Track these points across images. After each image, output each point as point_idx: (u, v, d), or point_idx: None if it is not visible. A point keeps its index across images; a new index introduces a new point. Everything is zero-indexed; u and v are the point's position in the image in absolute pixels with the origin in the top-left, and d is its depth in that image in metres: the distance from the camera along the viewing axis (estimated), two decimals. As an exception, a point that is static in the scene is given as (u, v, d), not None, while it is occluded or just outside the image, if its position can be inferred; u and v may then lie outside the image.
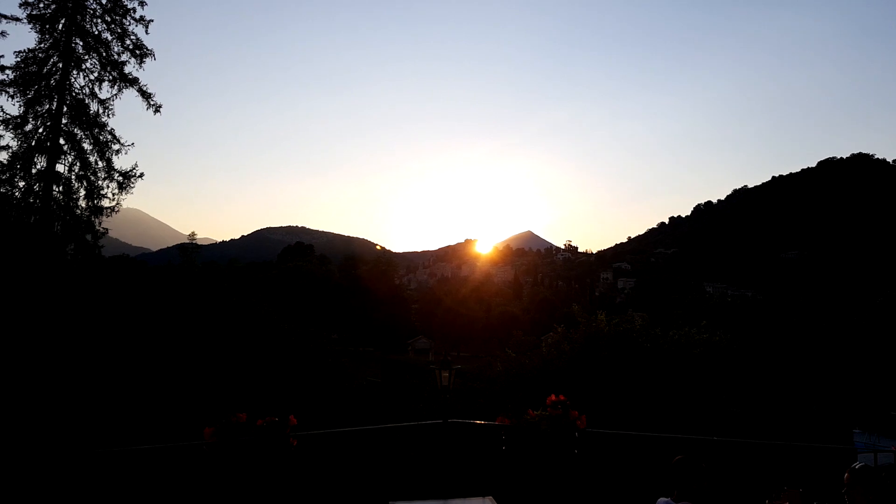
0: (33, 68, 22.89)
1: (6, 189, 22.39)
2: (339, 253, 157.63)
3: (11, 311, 20.14)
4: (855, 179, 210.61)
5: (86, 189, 23.69)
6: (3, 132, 22.59)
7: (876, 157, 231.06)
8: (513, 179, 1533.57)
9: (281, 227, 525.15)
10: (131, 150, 24.61)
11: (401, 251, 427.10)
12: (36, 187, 22.71)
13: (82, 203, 23.66)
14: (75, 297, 22.43)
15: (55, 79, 23.16)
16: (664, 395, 16.92)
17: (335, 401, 32.35)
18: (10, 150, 22.58)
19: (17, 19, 22.77)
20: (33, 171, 22.70)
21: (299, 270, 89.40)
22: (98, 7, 23.91)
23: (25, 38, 23.54)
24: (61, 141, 23.15)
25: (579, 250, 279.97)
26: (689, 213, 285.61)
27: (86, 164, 23.60)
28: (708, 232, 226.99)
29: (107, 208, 24.02)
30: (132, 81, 24.45)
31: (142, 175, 24.68)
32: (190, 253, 37.21)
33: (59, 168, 23.17)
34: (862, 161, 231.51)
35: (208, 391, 23.14)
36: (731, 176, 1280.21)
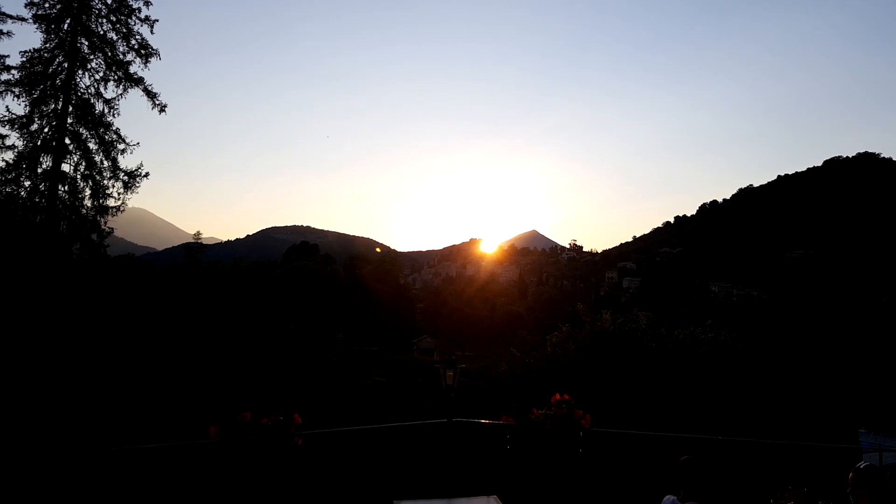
0: (39, 68, 22.94)
1: (12, 188, 22.46)
2: (344, 252, 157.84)
3: (18, 310, 20.20)
4: (861, 178, 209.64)
5: (91, 188, 23.75)
6: (8, 132, 22.69)
7: (882, 155, 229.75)
8: (518, 179, 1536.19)
9: (286, 226, 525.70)
10: (136, 150, 24.67)
11: (405, 250, 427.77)
12: (42, 187, 22.77)
13: (88, 202, 23.74)
14: (81, 296, 22.47)
15: (60, 78, 23.21)
16: (669, 395, 16.87)
17: (340, 400, 32.41)
18: (16, 150, 22.67)
19: (23, 19, 22.85)
20: (39, 170, 22.78)
21: (304, 270, 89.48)
22: (103, 7, 23.97)
23: (31, 37, 23.68)
24: (67, 140, 23.19)
25: (584, 250, 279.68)
26: (694, 213, 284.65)
27: (91, 164, 23.66)
28: (713, 231, 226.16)
29: (112, 208, 24.09)
30: (137, 81, 24.48)
31: (147, 174, 24.75)
32: (195, 252, 37.33)
33: (65, 167, 23.28)
34: (868, 160, 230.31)
35: (213, 390, 23.17)
36: (736, 175, 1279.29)
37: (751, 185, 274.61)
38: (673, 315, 43.86)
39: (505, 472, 7.94)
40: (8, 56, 22.88)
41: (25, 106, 22.80)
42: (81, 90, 23.62)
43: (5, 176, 22.37)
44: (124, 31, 24.28)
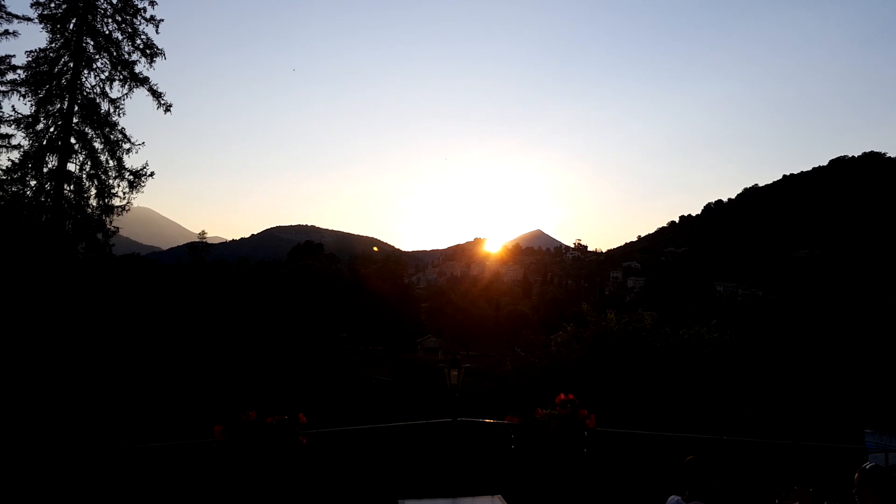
0: (44, 68, 23.02)
1: (18, 188, 22.56)
2: (349, 252, 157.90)
3: (24, 309, 20.27)
4: (866, 178, 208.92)
5: (97, 188, 23.84)
6: (14, 131, 22.81)
7: (888, 155, 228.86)
8: (522, 178, 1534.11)
9: (290, 226, 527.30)
10: (142, 149, 24.77)
11: (410, 250, 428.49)
12: (47, 186, 22.86)
13: (93, 202, 23.83)
14: (86, 295, 22.54)
15: (66, 78, 23.28)
16: (674, 395, 16.84)
17: (345, 399, 32.44)
18: (22, 149, 22.79)
19: (29, 19, 22.94)
20: (45, 170, 22.87)
21: (308, 269, 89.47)
22: (109, 7, 24.03)
23: (37, 37, 23.71)
24: (72, 140, 23.28)
25: (589, 249, 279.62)
26: (699, 212, 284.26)
27: (97, 163, 23.73)
28: (718, 231, 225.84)
29: (117, 207, 24.16)
30: (143, 81, 24.56)
31: (152, 174, 24.83)
32: (200, 252, 37.29)
33: (71, 167, 23.36)
34: (873, 159, 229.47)
35: (218, 389, 23.20)
36: (741, 175, 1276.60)
37: (756, 184, 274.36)
38: (678, 315, 43.75)
39: (509, 472, 7.93)
40: (14, 56, 23.03)
41: (31, 105, 22.92)
42: (87, 90, 23.71)
43: (11, 175, 22.47)
44: (129, 30, 24.36)
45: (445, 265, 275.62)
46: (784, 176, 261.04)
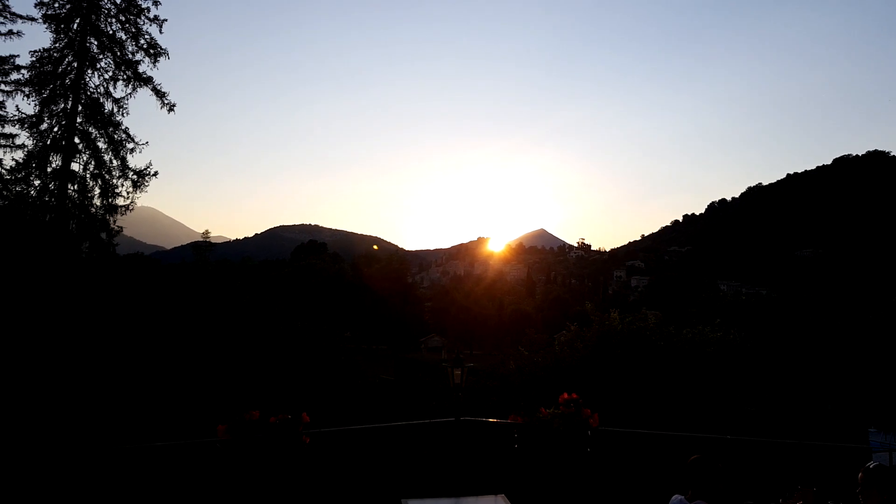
0: (48, 68, 23.03)
1: (22, 188, 22.58)
2: (352, 251, 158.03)
3: (28, 308, 20.30)
4: (871, 177, 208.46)
5: (100, 187, 23.84)
6: (18, 131, 22.80)
7: (892, 154, 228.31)
8: (526, 177, 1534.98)
9: (294, 225, 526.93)
10: (146, 149, 24.78)
11: (414, 249, 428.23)
12: (51, 186, 22.87)
13: (97, 201, 23.82)
14: (90, 294, 22.57)
15: (70, 78, 23.30)
16: (678, 394, 16.83)
17: (348, 399, 32.39)
18: (26, 149, 22.77)
19: (33, 19, 22.93)
20: (49, 169, 22.87)
21: (312, 268, 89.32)
22: (112, 7, 24.04)
23: (40, 37, 23.76)
24: (76, 140, 23.29)
25: (592, 248, 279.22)
26: (703, 211, 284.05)
27: (100, 163, 23.75)
28: (722, 230, 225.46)
29: (121, 207, 24.16)
30: (146, 80, 24.56)
31: (156, 174, 24.82)
32: (203, 251, 37.23)
33: (74, 167, 23.34)
34: (878, 158, 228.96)
35: (221, 389, 23.21)
36: (745, 173, 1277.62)
37: (760, 183, 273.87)
38: (682, 314, 43.76)
39: (513, 471, 7.94)
40: (18, 56, 23.02)
41: (35, 105, 22.91)
42: (91, 90, 23.72)
43: (15, 175, 22.49)
44: (133, 30, 24.36)
45: (449, 264, 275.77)
46: (788, 175, 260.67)
